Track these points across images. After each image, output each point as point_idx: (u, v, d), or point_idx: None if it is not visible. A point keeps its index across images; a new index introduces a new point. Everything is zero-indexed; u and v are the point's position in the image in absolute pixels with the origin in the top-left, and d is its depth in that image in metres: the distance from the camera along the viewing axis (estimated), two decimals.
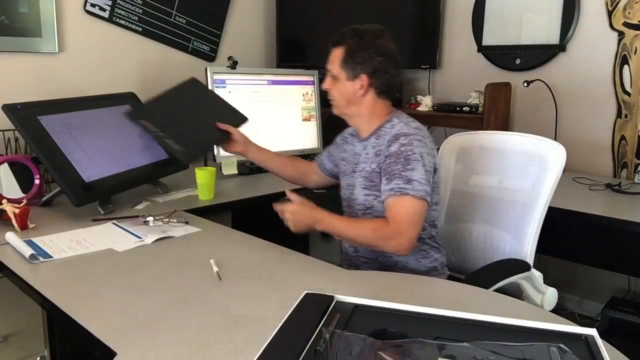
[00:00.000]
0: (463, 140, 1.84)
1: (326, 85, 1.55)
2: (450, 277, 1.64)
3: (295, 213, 1.43)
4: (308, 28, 3.13)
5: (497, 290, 1.53)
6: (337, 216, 1.44)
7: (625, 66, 2.48)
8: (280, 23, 3.08)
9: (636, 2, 2.41)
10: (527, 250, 1.63)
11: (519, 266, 1.61)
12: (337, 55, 1.50)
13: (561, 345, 0.85)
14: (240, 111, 1.89)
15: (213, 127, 1.75)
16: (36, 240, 1.53)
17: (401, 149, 1.42)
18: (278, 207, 1.47)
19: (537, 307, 1.18)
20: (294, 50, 3.13)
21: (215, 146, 2.07)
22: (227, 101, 1.99)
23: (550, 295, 1.64)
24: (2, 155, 2.02)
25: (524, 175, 1.68)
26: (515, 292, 1.65)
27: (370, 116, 1.54)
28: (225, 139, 1.78)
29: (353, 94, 1.50)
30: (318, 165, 1.81)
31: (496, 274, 1.57)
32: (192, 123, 1.77)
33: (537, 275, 1.63)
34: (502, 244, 1.70)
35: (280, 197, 2.06)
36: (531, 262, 1.64)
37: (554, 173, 1.60)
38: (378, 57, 1.47)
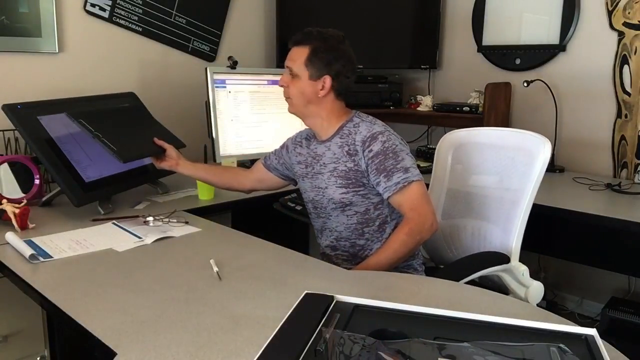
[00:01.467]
0: (458, 138, 1.85)
1: (284, 82, 1.56)
2: (428, 268, 1.69)
3: None
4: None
5: (475, 282, 1.55)
6: (371, 258, 1.49)
7: (625, 66, 2.48)
8: (280, 23, 3.08)
9: (636, 2, 2.41)
10: (512, 243, 1.65)
11: (497, 258, 1.63)
12: (300, 53, 1.51)
13: (561, 345, 0.85)
14: (179, 138, 1.99)
15: (149, 141, 1.82)
16: (36, 240, 1.53)
17: (385, 146, 1.49)
18: None
19: (536, 307, 1.18)
20: None
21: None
22: (166, 127, 2.06)
23: (535, 289, 1.64)
24: (2, 155, 2.02)
25: (513, 169, 1.70)
26: (500, 285, 1.67)
27: (328, 117, 1.57)
28: (159, 154, 1.81)
29: (313, 94, 1.53)
30: (265, 166, 1.79)
31: (472, 265, 1.59)
32: (128, 134, 1.86)
33: (521, 269, 1.64)
34: (493, 239, 1.72)
35: (280, 197, 2.07)
36: (516, 256, 1.66)
37: (539, 166, 1.62)
38: (341, 61, 1.51)
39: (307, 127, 1.66)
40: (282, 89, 1.59)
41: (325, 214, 1.61)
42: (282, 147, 1.77)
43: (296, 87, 1.54)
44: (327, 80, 1.51)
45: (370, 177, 1.51)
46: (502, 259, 1.63)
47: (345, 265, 1.59)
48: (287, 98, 1.58)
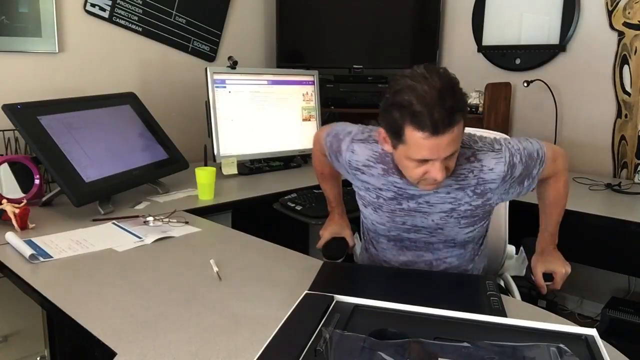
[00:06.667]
0: None
1: (445, 172, 1.19)
2: None
3: (565, 274, 1.44)
4: (308, 28, 3.12)
5: None
6: (545, 229, 1.49)
7: (625, 66, 2.47)
8: (280, 23, 3.08)
9: (636, 2, 2.41)
10: (504, 232, 1.73)
11: None
12: (458, 131, 1.17)
13: (561, 345, 0.85)
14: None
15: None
16: (36, 240, 1.52)
17: (522, 160, 1.29)
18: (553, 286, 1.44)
19: (536, 307, 1.18)
20: (294, 50, 3.13)
21: None
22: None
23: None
24: (2, 155, 2.02)
25: None
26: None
27: None
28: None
29: None
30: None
31: None
32: None
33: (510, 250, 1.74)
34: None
35: (280, 197, 2.06)
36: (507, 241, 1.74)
37: None
38: None
39: (365, 150, 1.36)
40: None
41: (428, 248, 1.40)
42: (372, 170, 1.36)
43: (455, 159, 1.22)
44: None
45: (510, 191, 1.33)
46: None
47: None
48: (441, 181, 1.21)
